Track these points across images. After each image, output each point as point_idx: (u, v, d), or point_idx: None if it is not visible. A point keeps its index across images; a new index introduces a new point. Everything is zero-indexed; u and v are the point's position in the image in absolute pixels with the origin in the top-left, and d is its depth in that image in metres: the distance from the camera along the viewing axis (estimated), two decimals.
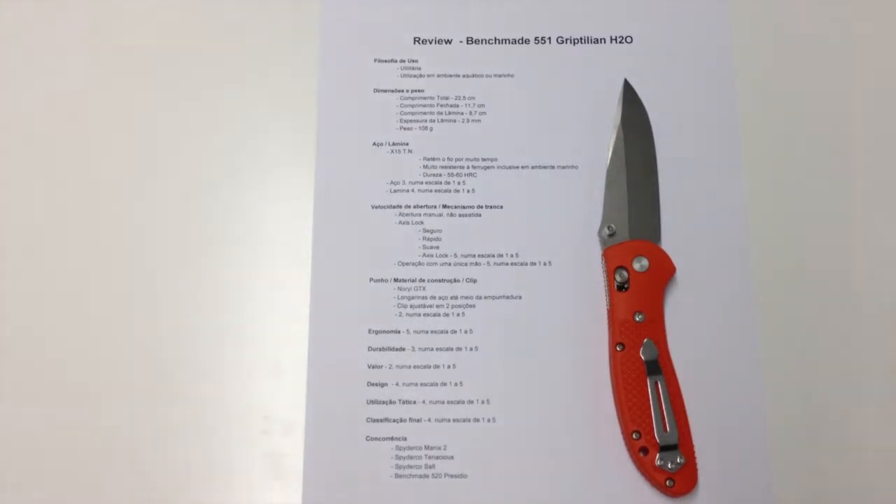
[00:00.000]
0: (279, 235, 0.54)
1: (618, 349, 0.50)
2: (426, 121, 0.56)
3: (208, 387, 0.51)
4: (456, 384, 0.51)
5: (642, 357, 0.50)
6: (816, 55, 0.58)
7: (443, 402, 0.51)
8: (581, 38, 0.58)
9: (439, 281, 0.53)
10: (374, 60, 0.58)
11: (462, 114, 0.56)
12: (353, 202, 0.54)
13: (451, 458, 0.50)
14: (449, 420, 0.51)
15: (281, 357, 0.52)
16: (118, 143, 0.56)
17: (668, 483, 0.48)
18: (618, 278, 0.52)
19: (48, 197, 0.55)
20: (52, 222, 0.55)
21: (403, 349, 0.52)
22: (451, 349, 0.52)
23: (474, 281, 0.53)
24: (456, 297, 0.53)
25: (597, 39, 0.58)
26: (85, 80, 0.57)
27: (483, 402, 0.51)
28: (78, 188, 0.55)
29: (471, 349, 0.52)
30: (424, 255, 0.53)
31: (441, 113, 0.56)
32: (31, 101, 0.57)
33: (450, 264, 0.53)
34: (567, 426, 0.50)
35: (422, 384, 0.51)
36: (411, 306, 0.52)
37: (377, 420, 0.50)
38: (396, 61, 0.57)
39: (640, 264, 0.52)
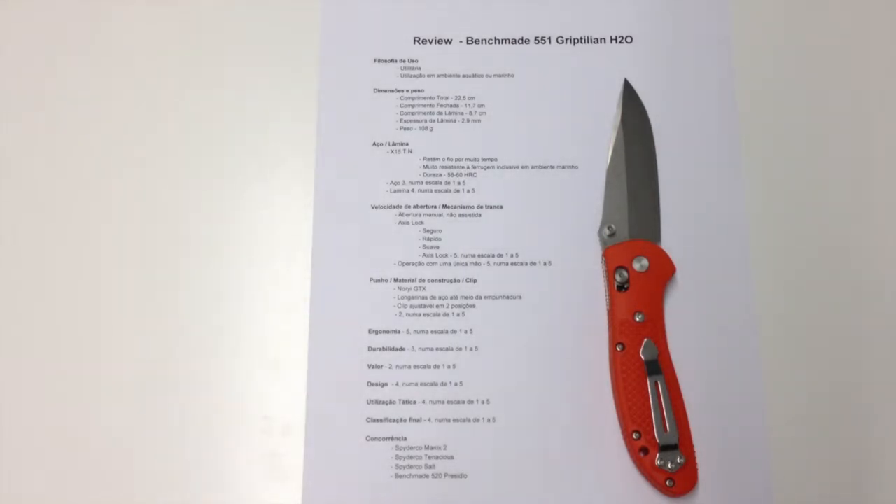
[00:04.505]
0: (279, 235, 0.54)
1: (618, 349, 0.50)
2: (426, 121, 0.56)
3: (208, 387, 0.51)
4: (456, 384, 0.51)
5: (642, 357, 0.50)
6: (816, 55, 0.58)
7: (443, 402, 0.51)
8: (581, 38, 0.58)
9: (439, 281, 0.53)
10: (374, 60, 0.58)
11: (462, 114, 0.56)
12: (353, 202, 0.54)
13: (451, 458, 0.50)
14: (449, 420, 0.51)
15: (281, 357, 0.52)
16: (118, 142, 0.56)
17: (668, 483, 0.48)
18: (618, 278, 0.52)
19: (49, 196, 0.55)
20: (52, 221, 0.55)
21: (403, 349, 0.52)
22: (451, 349, 0.52)
23: (474, 281, 0.53)
24: (456, 297, 0.53)
25: (597, 39, 0.58)
26: (85, 80, 0.57)
27: (483, 402, 0.51)
28: (78, 187, 0.55)
29: (471, 349, 0.52)
30: (424, 255, 0.53)
31: (441, 113, 0.56)
32: (32, 101, 0.57)
33: (450, 264, 0.53)
34: (567, 426, 0.50)
35: (422, 384, 0.51)
36: (411, 306, 0.52)
37: (377, 420, 0.50)
38: (396, 61, 0.57)
39: (640, 264, 0.52)
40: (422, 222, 0.54)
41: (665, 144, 0.55)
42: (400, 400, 0.51)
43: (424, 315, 0.52)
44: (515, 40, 0.58)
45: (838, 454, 0.50)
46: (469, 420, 0.51)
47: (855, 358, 0.52)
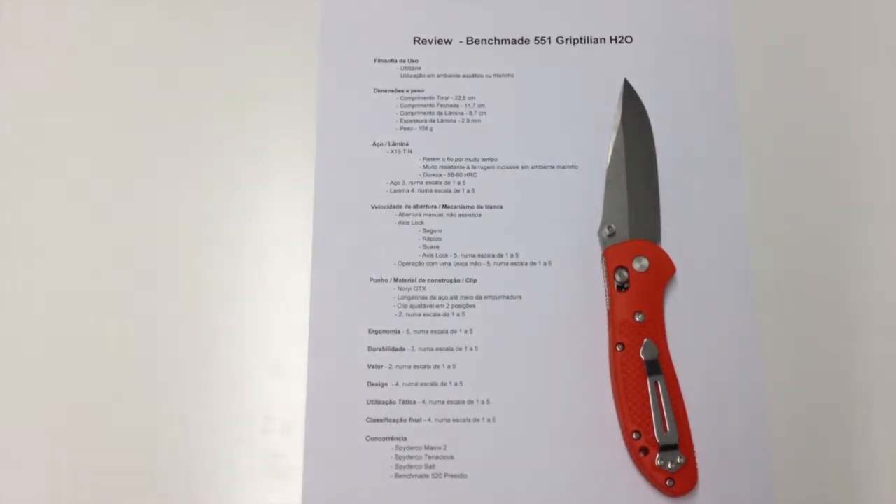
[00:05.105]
0: (279, 235, 0.54)
1: (618, 349, 0.50)
2: (426, 121, 0.56)
3: (208, 387, 0.51)
4: (456, 384, 0.51)
5: (642, 357, 0.50)
6: (816, 55, 0.58)
7: (443, 402, 0.51)
8: (581, 38, 0.58)
9: (439, 281, 0.53)
10: (374, 60, 0.58)
11: (462, 114, 0.56)
12: (353, 202, 0.54)
13: (451, 458, 0.50)
14: (449, 420, 0.51)
15: (281, 357, 0.52)
16: (118, 143, 0.56)
17: (668, 483, 0.48)
18: (618, 278, 0.52)
19: (49, 198, 0.55)
20: (53, 222, 0.55)
21: (403, 349, 0.52)
22: (451, 349, 0.52)
23: (474, 281, 0.53)
24: (456, 297, 0.53)
25: (597, 39, 0.58)
26: (85, 79, 0.57)
27: (483, 402, 0.51)
28: (78, 189, 0.55)
29: (471, 349, 0.52)
30: (424, 255, 0.53)
31: (441, 113, 0.56)
32: (32, 103, 0.57)
33: (450, 264, 0.53)
34: (567, 426, 0.50)
35: (422, 384, 0.51)
36: (411, 306, 0.52)
37: (377, 420, 0.50)
38: (396, 61, 0.57)
39: (640, 264, 0.52)
40: (422, 222, 0.54)
41: (665, 144, 0.55)
42: (400, 400, 0.51)
43: (424, 315, 0.52)
44: (515, 40, 0.58)
45: (838, 454, 0.50)
46: (469, 420, 0.51)
47: (855, 358, 0.52)
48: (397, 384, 0.51)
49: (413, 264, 0.53)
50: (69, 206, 0.55)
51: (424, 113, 0.56)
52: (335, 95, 0.57)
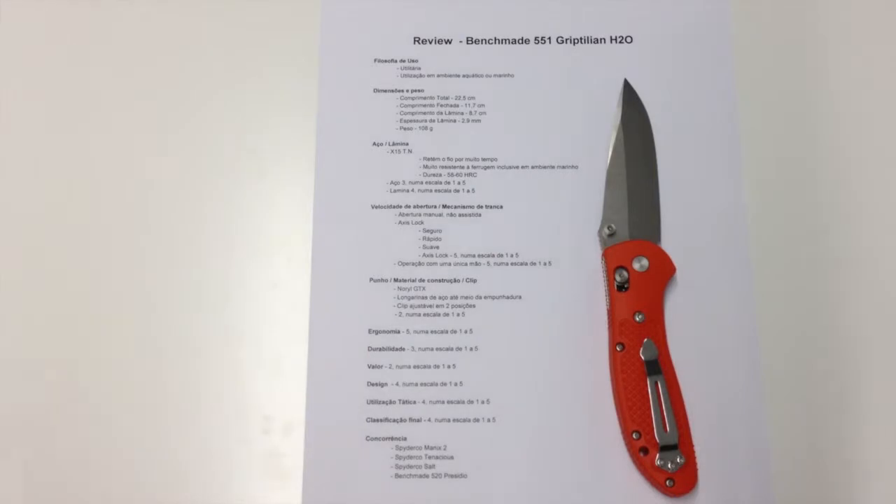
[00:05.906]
0: (279, 235, 0.54)
1: (618, 349, 0.50)
2: (426, 121, 0.56)
3: (208, 387, 0.51)
4: (456, 384, 0.51)
5: (642, 357, 0.50)
6: (816, 55, 0.58)
7: (443, 402, 0.51)
8: (581, 38, 0.58)
9: (439, 281, 0.53)
10: (374, 60, 0.58)
11: (462, 114, 0.56)
12: (353, 202, 0.54)
13: (451, 458, 0.50)
14: (449, 420, 0.51)
15: (281, 357, 0.52)
16: (117, 142, 0.56)
17: (668, 483, 0.48)
18: (618, 278, 0.52)
19: (48, 196, 0.55)
20: (51, 222, 0.55)
21: (403, 349, 0.52)
22: (451, 349, 0.52)
23: (474, 281, 0.53)
24: (456, 297, 0.53)
25: (597, 39, 0.58)
26: (85, 79, 0.57)
27: (483, 402, 0.51)
28: (77, 187, 0.55)
29: (471, 349, 0.52)
30: (424, 255, 0.53)
31: (441, 113, 0.56)
32: (31, 100, 0.57)
33: (450, 264, 0.53)
34: (567, 426, 0.50)
35: (422, 384, 0.51)
36: (411, 306, 0.52)
37: (377, 420, 0.50)
38: (396, 61, 0.57)
39: (640, 264, 0.52)
40: (422, 222, 0.54)
41: (665, 144, 0.55)
42: (400, 400, 0.51)
43: (424, 315, 0.52)
44: (515, 40, 0.58)
45: (838, 454, 0.50)
46: (469, 420, 0.51)
47: (855, 358, 0.52)
48: (397, 384, 0.51)
49: (413, 264, 0.53)
50: (69, 205, 0.55)
51: (424, 113, 0.56)
52: (335, 95, 0.57)
